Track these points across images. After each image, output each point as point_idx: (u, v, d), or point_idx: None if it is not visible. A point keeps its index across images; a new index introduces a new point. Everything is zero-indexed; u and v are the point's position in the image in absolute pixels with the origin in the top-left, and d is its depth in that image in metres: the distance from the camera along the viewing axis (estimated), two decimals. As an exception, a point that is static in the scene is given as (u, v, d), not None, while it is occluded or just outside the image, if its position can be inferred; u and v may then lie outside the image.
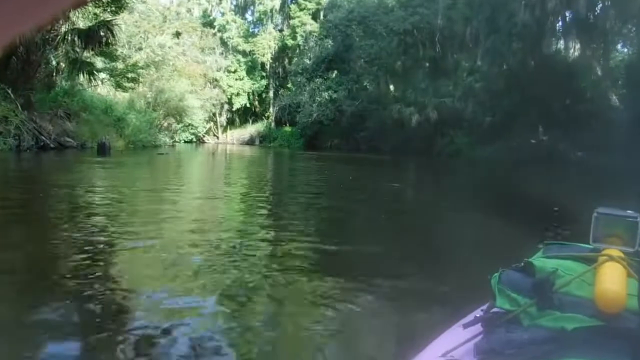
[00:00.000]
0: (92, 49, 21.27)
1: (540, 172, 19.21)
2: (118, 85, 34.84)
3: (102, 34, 20.92)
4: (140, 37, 39.06)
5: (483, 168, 22.12)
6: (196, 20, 64.38)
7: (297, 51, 53.90)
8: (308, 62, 43.50)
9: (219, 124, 62.02)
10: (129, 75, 34.76)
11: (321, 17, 48.86)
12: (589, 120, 22.52)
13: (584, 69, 24.61)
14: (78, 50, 21.39)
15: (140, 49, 38.65)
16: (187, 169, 18.94)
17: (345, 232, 6.10)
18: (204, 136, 60.35)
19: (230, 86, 59.48)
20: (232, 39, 60.44)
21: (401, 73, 36.41)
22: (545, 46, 26.01)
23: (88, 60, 22.37)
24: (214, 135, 62.32)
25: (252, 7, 63.22)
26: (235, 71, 60.42)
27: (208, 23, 62.83)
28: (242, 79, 60.26)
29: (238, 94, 59.90)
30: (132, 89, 36.34)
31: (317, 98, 40.09)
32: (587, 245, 1.43)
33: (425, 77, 35.37)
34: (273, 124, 58.42)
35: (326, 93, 39.47)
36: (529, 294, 1.26)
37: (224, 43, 61.17)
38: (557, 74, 24.54)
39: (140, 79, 37.98)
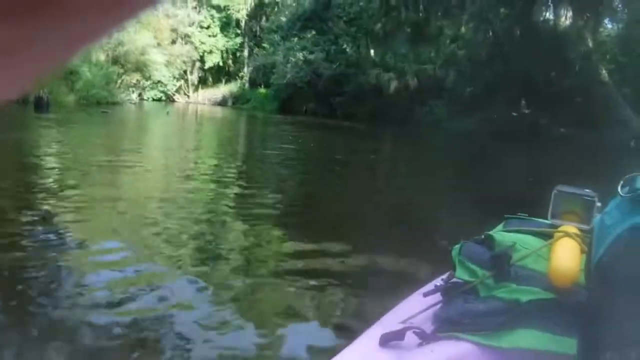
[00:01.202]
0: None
1: (518, 146, 18.66)
2: None
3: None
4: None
5: (461, 140, 21.16)
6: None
7: (276, 9, 51.46)
8: (284, 19, 41.19)
9: (190, 83, 59.63)
10: None
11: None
12: (575, 94, 21.29)
13: (574, 40, 23.20)
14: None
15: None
16: (122, 132, 16.66)
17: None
18: (173, 95, 58.03)
19: (202, 43, 56.97)
20: (206, -8, 57.52)
21: (381, 36, 34.60)
22: (535, 13, 24.44)
23: None
24: (185, 94, 59.96)
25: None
26: (208, 27, 57.77)
27: (181, -26, 59.70)
28: (216, 35, 57.70)
29: (211, 52, 57.43)
30: None
31: (291, 58, 38.04)
32: (545, 221, 1.45)
33: (407, 42, 33.63)
34: (247, 85, 56.29)
35: (301, 53, 37.38)
36: (487, 266, 1.29)
37: (197, -4, 58.27)
38: (544, 44, 23.15)
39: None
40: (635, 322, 0.91)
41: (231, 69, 60.25)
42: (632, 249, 1.01)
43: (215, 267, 3.51)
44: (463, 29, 31.23)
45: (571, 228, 1.34)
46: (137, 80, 50.35)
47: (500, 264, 1.27)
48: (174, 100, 57.21)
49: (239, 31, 58.22)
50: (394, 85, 31.75)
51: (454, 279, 1.39)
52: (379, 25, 34.22)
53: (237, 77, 59.53)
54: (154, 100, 54.74)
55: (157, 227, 4.47)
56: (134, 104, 38.40)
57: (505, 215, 1.57)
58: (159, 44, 47.06)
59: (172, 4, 56.82)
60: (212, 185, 7.15)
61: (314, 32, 37.98)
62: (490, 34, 27.07)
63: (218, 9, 57.44)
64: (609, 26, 27.15)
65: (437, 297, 1.36)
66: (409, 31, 34.08)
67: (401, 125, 28.01)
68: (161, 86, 56.03)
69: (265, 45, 46.80)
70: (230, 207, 5.82)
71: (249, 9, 56.00)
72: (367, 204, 6.54)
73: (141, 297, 2.84)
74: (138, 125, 19.32)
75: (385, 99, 32.04)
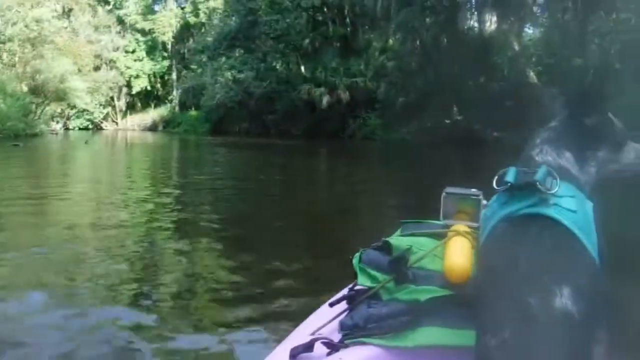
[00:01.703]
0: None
1: (452, 153, 18.64)
2: None
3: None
4: (14, 10, 34.22)
5: (395, 150, 20.96)
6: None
7: (203, 30, 50.44)
8: (210, 39, 40.26)
9: (117, 109, 57.67)
10: None
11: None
12: (504, 98, 21.42)
13: (500, 45, 23.47)
14: None
15: (14, 23, 33.96)
16: (34, 166, 14.51)
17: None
18: (101, 122, 56.03)
19: (128, 67, 55.30)
20: (130, 16, 55.97)
21: (310, 52, 34.31)
22: (460, 21, 24.67)
23: None
24: (113, 121, 58.00)
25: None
26: (133, 51, 56.21)
27: (103, -1, 57.93)
28: (142, 59, 56.16)
29: (137, 76, 55.79)
30: None
31: (219, 79, 37.13)
32: (439, 222, 1.51)
33: (336, 56, 33.47)
34: (177, 108, 54.88)
35: (229, 73, 36.56)
36: (387, 270, 1.33)
37: (120, 21, 56.61)
38: (471, 50, 23.39)
39: (10, 58, 33.40)
40: (507, 303, 0.97)
41: (160, 92, 58.67)
42: (504, 239, 1.10)
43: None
44: (391, 41, 31.33)
45: (462, 227, 1.39)
46: (62, 109, 48.28)
47: (399, 268, 1.30)
48: (101, 128, 55.29)
49: (165, 54, 56.89)
50: (326, 99, 31.40)
51: (358, 287, 1.41)
52: (307, 41, 33.94)
53: (166, 101, 58.02)
54: (80, 129, 52.65)
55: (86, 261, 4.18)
56: (56, 134, 36.41)
57: (401, 220, 1.61)
58: (79, 70, 45.03)
59: (94, 30, 55.09)
60: (139, 216, 6.57)
61: (241, 51, 37.26)
62: (418, 43, 27.11)
63: (143, 32, 56.01)
64: (530, 31, 27.80)
65: (343, 305, 1.37)
66: (338, 45, 33.99)
67: (335, 139, 27.70)
68: (87, 114, 54.02)
69: (193, 66, 45.68)
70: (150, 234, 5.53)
71: (174, 31, 54.78)
72: (294, 217, 6.52)
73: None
74: (56, 158, 17.62)
75: (319, 114, 31.68)
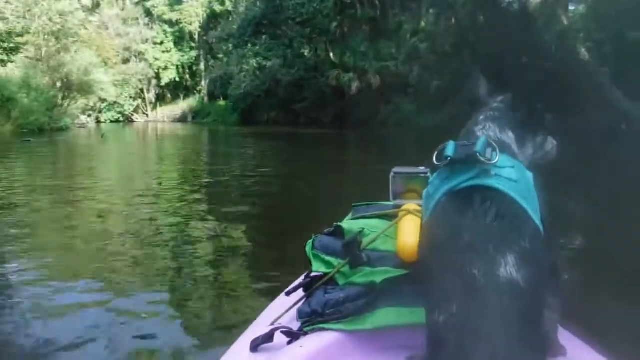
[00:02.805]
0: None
1: None
2: None
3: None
4: (40, 4, 33.86)
5: (430, 137, 19.28)
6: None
7: (230, 18, 49.55)
8: (235, 27, 39.16)
9: (147, 101, 57.43)
10: (5, 45, 29.45)
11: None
12: (550, 78, 19.61)
13: (546, 19, 21.51)
14: None
15: (39, 17, 33.54)
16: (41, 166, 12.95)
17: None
18: (131, 114, 55.88)
19: (157, 59, 54.90)
20: (157, 7, 55.44)
21: (338, 36, 32.93)
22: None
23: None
24: (144, 113, 57.79)
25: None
26: (161, 43, 55.75)
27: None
28: (170, 50, 55.67)
29: (166, 68, 55.36)
30: (11, 61, 31.25)
31: (244, 67, 36.05)
32: (389, 203, 1.52)
33: (365, 40, 31.96)
34: (206, 99, 54.43)
35: (254, 60, 35.40)
36: (341, 255, 1.33)
37: (148, 13, 56.15)
38: (512, 28, 21.57)
39: (36, 52, 32.96)
40: (452, 277, 0.96)
41: (189, 83, 58.24)
42: (447, 213, 1.08)
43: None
44: (423, 23, 29.78)
45: (412, 205, 1.39)
46: (94, 103, 48.28)
47: (352, 251, 1.29)
48: (132, 121, 55.22)
49: (193, 44, 56.29)
50: (355, 85, 30.08)
51: (313, 274, 1.40)
52: (334, 25, 32.58)
53: (195, 92, 57.62)
54: (111, 122, 52.58)
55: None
56: (84, 127, 35.92)
57: (353, 204, 1.60)
58: (105, 63, 44.70)
59: (122, 23, 54.90)
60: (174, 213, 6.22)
61: (267, 37, 36.07)
62: (453, 21, 25.41)
63: (170, 23, 55.47)
64: (572, 7, 25.74)
65: (300, 293, 1.37)
66: (367, 28, 32.50)
67: (366, 126, 26.47)
68: (118, 107, 53.88)
69: (220, 56, 44.77)
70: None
71: (201, 21, 54.02)
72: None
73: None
74: (65, 153, 16.54)
75: (348, 101, 30.46)
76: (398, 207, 1.44)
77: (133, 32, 54.74)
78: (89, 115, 49.24)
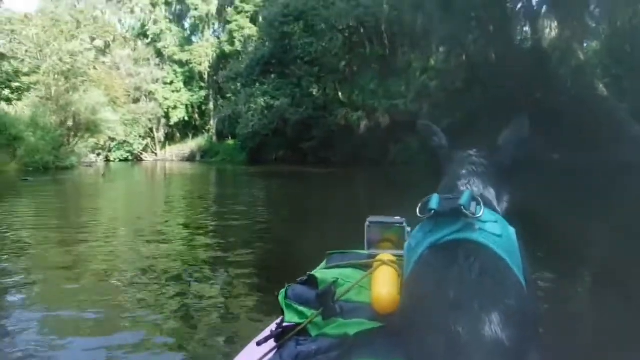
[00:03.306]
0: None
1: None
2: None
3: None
4: (52, 44, 34.11)
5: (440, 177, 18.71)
6: (130, 30, 59.91)
7: (240, 58, 49.84)
8: (243, 66, 39.12)
9: (157, 140, 57.40)
10: (13, 84, 29.32)
11: (260, 19, 44.65)
12: (565, 114, 18.93)
13: (561, 55, 20.89)
14: None
15: (50, 56, 33.73)
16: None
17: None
18: (141, 153, 55.77)
19: (166, 99, 55.05)
20: (168, 48, 55.93)
21: (347, 74, 32.65)
22: (512, 31, 22.34)
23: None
24: (153, 152, 57.68)
25: (188, 14, 58.78)
26: (171, 82, 56.02)
27: (142, 33, 58.33)
28: (179, 90, 55.87)
29: (175, 107, 55.47)
30: (18, 99, 31.16)
31: (252, 105, 35.78)
32: (364, 252, 1.51)
33: (374, 78, 31.63)
34: (215, 138, 54.29)
35: (262, 99, 35.14)
36: (314, 305, 1.30)
37: (159, 53, 56.67)
38: (525, 64, 21.04)
39: (46, 91, 32.97)
40: (436, 335, 0.94)
41: (198, 123, 58.33)
42: (430, 267, 1.06)
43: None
44: (432, 62, 29.45)
45: (386, 255, 1.37)
46: (104, 141, 48.30)
47: (326, 302, 1.26)
48: (141, 159, 55.08)
49: (202, 84, 56.58)
50: (364, 124, 29.60)
51: (285, 324, 1.35)
52: (343, 63, 32.35)
53: (204, 131, 57.66)
54: (120, 160, 52.47)
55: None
56: (90, 166, 35.53)
57: (327, 252, 1.57)
58: (114, 102, 44.81)
59: (134, 63, 55.43)
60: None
61: (275, 77, 35.90)
62: (464, 58, 24.95)
63: (180, 63, 55.88)
64: (585, 44, 25.27)
65: (271, 344, 1.33)
66: (376, 67, 32.23)
67: (376, 165, 25.87)
68: (127, 146, 53.81)
69: (229, 96, 44.75)
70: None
71: (211, 61, 54.37)
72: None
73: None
74: (59, 194, 15.74)
75: (357, 140, 29.93)
76: (373, 256, 1.41)
77: (144, 72, 55.17)
78: (98, 154, 49.16)
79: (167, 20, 58.39)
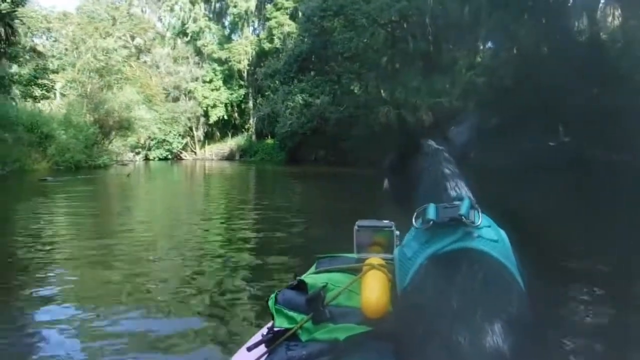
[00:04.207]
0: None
1: (561, 178, 16.07)
2: (28, 95, 29.23)
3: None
4: (88, 42, 34.14)
5: (488, 177, 17.28)
6: (170, 29, 60.14)
7: (280, 55, 49.21)
8: (281, 63, 38.31)
9: (196, 139, 57.37)
10: (40, 81, 29.14)
11: (300, 15, 43.82)
12: (629, 112, 17.35)
13: (625, 45, 19.23)
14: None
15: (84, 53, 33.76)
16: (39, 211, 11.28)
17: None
18: (180, 152, 55.82)
19: (205, 97, 54.88)
20: (207, 46, 55.78)
21: (389, 71, 31.47)
22: (568, 21, 20.78)
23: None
24: (192, 151, 57.71)
25: (227, 12, 58.54)
26: (210, 81, 55.83)
27: (182, 31, 58.42)
28: (219, 89, 55.63)
29: (214, 106, 55.28)
30: (46, 97, 31.07)
31: (289, 103, 34.95)
32: (353, 256, 1.50)
33: (418, 75, 30.35)
34: (254, 137, 53.83)
35: (299, 97, 34.24)
36: (304, 310, 1.30)
37: (198, 52, 56.60)
38: (583, 56, 19.52)
39: (81, 89, 32.97)
40: (436, 346, 0.93)
41: (237, 121, 58.06)
42: (432, 276, 1.06)
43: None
44: (479, 59, 28.10)
45: (376, 260, 1.36)
46: (144, 140, 48.53)
47: (316, 306, 1.26)
48: (181, 158, 55.16)
49: (242, 83, 56.19)
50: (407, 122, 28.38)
51: (275, 329, 1.35)
52: (385, 59, 31.18)
53: (243, 130, 57.35)
54: (159, 159, 52.59)
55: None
56: (125, 165, 35.24)
57: (317, 256, 1.58)
58: (149, 100, 44.77)
59: (173, 61, 55.56)
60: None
61: (314, 73, 34.96)
62: (515, 52, 23.45)
63: (219, 62, 55.61)
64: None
65: (262, 349, 1.33)
66: (419, 61, 30.95)
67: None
68: (166, 145, 53.91)
69: (267, 93, 44.13)
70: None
71: (250, 59, 53.89)
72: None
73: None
74: (72, 197, 14.48)
75: (399, 138, 28.73)
76: (362, 260, 1.40)
77: (183, 70, 55.20)
78: (138, 153, 49.32)
79: (207, 18, 58.27)
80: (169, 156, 54.51)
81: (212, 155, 57.00)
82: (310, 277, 1.41)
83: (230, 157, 54.52)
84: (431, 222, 1.08)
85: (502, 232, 1.13)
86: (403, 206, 1.40)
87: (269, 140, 48.48)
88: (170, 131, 52.54)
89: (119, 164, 34.13)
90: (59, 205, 11.61)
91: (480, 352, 0.87)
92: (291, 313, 1.32)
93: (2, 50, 17.31)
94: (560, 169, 18.00)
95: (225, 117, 56.50)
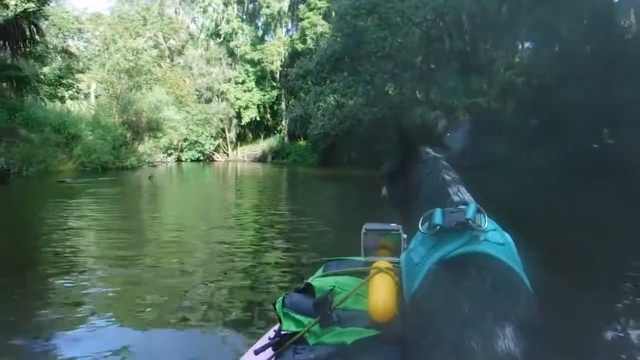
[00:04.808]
0: (13, 49, 16.08)
1: (606, 184, 15.34)
2: (54, 96, 29.28)
3: (24, 28, 15.81)
4: (118, 42, 34.34)
5: (526, 180, 17.89)
6: (204, 30, 60.47)
7: (312, 57, 48.84)
8: (312, 63, 37.84)
9: (228, 140, 57.39)
10: (64, 81, 29.11)
11: (332, 15, 43.34)
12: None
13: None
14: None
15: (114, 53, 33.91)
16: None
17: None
18: (212, 154, 55.91)
19: (238, 99, 54.87)
20: (240, 47, 55.79)
21: (424, 71, 30.76)
22: (613, 17, 19.90)
23: (10, 63, 17.19)
24: (224, 152, 57.78)
25: (260, 12, 58.52)
26: (243, 82, 55.81)
27: (215, 32, 58.62)
28: (251, 90, 55.58)
29: (247, 107, 55.21)
30: (73, 98, 31.17)
31: (321, 104, 34.49)
32: (360, 259, 1.49)
33: (454, 75, 29.57)
34: (286, 138, 53.62)
35: (332, 97, 33.75)
36: (311, 314, 1.30)
37: (231, 53, 56.66)
38: (629, 55, 18.63)
39: (111, 89, 33.10)
40: (448, 351, 0.93)
41: (269, 123, 57.95)
42: (442, 281, 1.05)
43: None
44: (517, 59, 27.23)
45: (384, 263, 1.36)
46: (177, 141, 48.72)
47: (323, 310, 1.26)
48: (213, 160, 55.25)
49: (274, 84, 56.02)
50: (442, 124, 27.65)
51: (283, 332, 1.34)
52: (419, 59, 30.48)
53: (275, 131, 57.18)
54: (192, 160, 52.75)
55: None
56: (155, 166, 35.14)
57: (324, 259, 1.56)
58: (180, 102, 44.84)
59: (206, 63, 55.75)
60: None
61: (346, 74, 34.43)
62: (557, 49, 22.55)
63: (252, 63, 55.56)
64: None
65: (269, 352, 1.32)
66: (455, 61, 30.16)
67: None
68: (198, 146, 54.05)
69: (300, 94, 43.77)
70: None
71: (283, 59, 53.66)
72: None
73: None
74: (90, 201, 13.08)
75: (434, 140, 28.04)
76: (369, 264, 1.40)
77: (216, 71, 55.32)
78: (170, 154, 49.53)
79: (240, 19, 58.31)
80: (201, 157, 54.62)
81: (244, 156, 57.02)
82: (318, 280, 1.40)
83: (262, 159, 54.45)
84: (438, 227, 1.07)
85: (508, 236, 1.13)
86: (402, 212, 1.42)
87: (302, 142, 48.21)
88: (202, 132, 52.67)
89: (148, 165, 34.03)
90: (64, 208, 11.22)
91: (492, 356, 0.86)
92: (298, 316, 1.31)
93: (27, 49, 17.23)
94: (603, 172, 17.36)
95: (258, 119, 56.43)
